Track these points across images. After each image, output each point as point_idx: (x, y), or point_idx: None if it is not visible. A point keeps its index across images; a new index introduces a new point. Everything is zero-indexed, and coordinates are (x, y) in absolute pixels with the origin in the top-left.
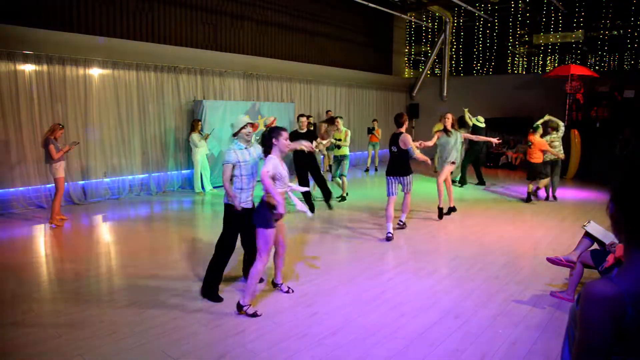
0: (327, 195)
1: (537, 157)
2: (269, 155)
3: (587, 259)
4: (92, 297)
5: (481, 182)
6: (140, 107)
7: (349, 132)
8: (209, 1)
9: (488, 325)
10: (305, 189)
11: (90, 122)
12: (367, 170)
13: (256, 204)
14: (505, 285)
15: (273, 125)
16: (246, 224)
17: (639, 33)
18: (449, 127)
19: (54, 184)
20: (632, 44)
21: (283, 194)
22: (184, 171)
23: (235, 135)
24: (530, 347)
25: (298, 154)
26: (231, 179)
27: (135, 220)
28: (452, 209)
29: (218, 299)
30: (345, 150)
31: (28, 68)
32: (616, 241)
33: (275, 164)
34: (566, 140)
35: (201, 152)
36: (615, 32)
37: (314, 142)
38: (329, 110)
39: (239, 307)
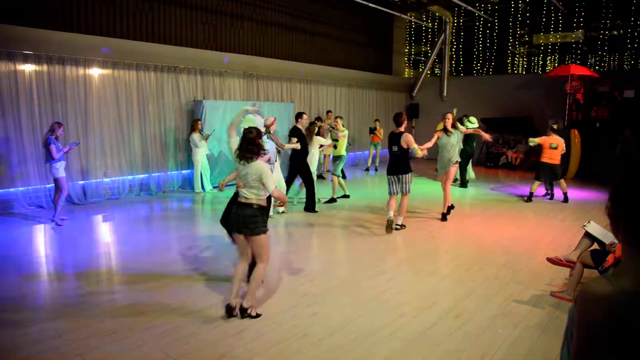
0: (309, 201)
1: (558, 158)
2: (265, 164)
3: (587, 259)
4: (92, 297)
5: (463, 184)
6: (140, 107)
7: (346, 133)
8: (209, 1)
9: (488, 325)
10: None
11: (90, 122)
12: (367, 169)
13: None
14: (505, 285)
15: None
16: None
17: (639, 33)
18: (449, 127)
19: (53, 184)
20: (632, 44)
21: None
22: (184, 171)
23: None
24: (530, 347)
25: (294, 154)
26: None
27: (135, 220)
28: (450, 207)
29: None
30: (341, 151)
31: (28, 68)
32: (616, 241)
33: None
34: (566, 140)
35: (201, 152)
36: (615, 32)
37: (289, 143)
38: (330, 111)
39: (243, 311)
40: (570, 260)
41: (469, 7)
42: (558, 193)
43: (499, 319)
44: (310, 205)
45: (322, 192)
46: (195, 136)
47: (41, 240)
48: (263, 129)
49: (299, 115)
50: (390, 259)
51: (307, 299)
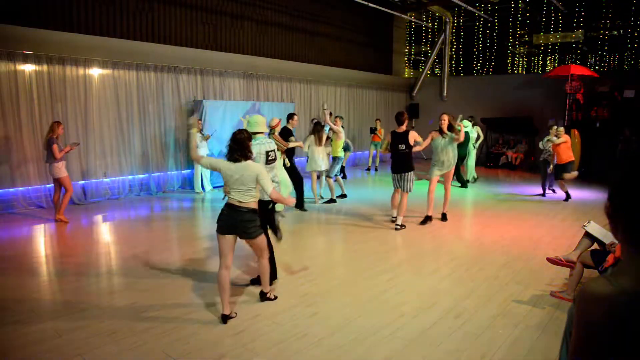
0: (297, 199)
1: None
2: (261, 165)
3: (587, 259)
4: (92, 297)
5: (462, 184)
6: (140, 107)
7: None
8: (209, 1)
9: (488, 325)
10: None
11: (90, 122)
12: (368, 169)
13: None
14: (505, 285)
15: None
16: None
17: (639, 33)
18: (444, 128)
19: (53, 184)
20: (632, 44)
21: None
22: (184, 171)
23: (259, 133)
24: (530, 347)
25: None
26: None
27: (135, 220)
28: (428, 218)
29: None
30: (337, 152)
31: (28, 68)
32: (616, 241)
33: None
34: None
35: (202, 152)
36: (615, 32)
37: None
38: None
39: (262, 295)
40: (570, 260)
41: (469, 7)
42: (556, 192)
43: (499, 319)
44: (299, 203)
45: (323, 192)
46: (197, 136)
47: (41, 240)
48: (267, 130)
49: (289, 117)
50: (390, 259)
51: (307, 299)
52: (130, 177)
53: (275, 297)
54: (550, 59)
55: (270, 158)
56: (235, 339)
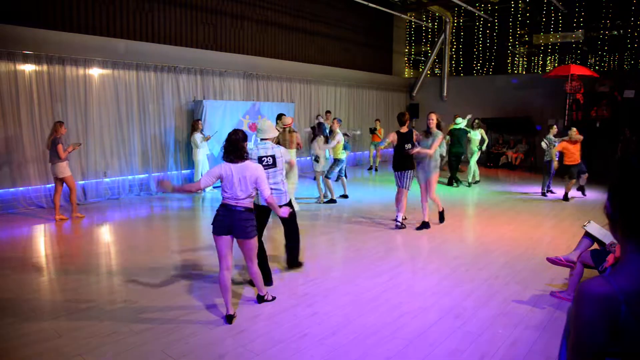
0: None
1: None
2: (260, 166)
3: (587, 259)
4: (92, 297)
5: (450, 183)
6: (140, 107)
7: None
8: (209, 1)
9: (488, 325)
10: None
11: (90, 122)
12: (370, 168)
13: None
14: (505, 285)
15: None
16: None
17: (639, 33)
18: (433, 127)
19: (54, 184)
20: (632, 44)
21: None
22: (184, 171)
23: (268, 139)
24: (530, 347)
25: None
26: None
27: (135, 220)
28: (425, 224)
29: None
30: (338, 154)
31: (28, 68)
32: (616, 241)
33: None
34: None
35: (202, 152)
36: (615, 32)
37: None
38: (328, 111)
39: (260, 298)
40: (570, 260)
41: (469, 7)
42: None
43: (499, 319)
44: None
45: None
46: (197, 136)
47: (41, 240)
48: (277, 132)
49: (278, 117)
50: (390, 259)
51: (307, 299)
52: (130, 177)
53: (274, 298)
54: (550, 59)
55: (264, 163)
56: (235, 339)
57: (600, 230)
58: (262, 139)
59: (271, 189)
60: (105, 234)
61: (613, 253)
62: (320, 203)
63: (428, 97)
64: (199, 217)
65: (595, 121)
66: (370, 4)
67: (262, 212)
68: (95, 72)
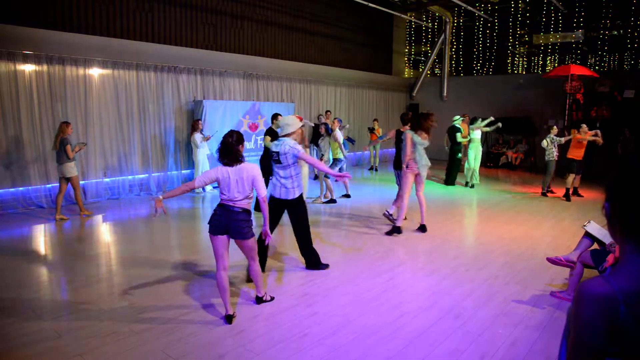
0: None
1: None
2: (257, 167)
3: (587, 259)
4: (92, 297)
5: (447, 182)
6: (140, 107)
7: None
8: (209, 1)
9: (488, 325)
10: None
11: (90, 122)
12: (370, 168)
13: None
14: (505, 285)
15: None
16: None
17: (639, 33)
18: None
19: (59, 184)
20: (632, 44)
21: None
22: (184, 171)
23: (289, 135)
24: (530, 347)
25: (264, 157)
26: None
27: (135, 220)
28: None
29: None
30: (336, 154)
31: (28, 68)
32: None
33: None
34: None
35: (202, 152)
36: (615, 32)
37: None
38: (328, 111)
39: (258, 299)
40: (570, 260)
41: (469, 7)
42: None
43: (499, 319)
44: None
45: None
46: (197, 136)
47: (41, 240)
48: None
49: (274, 117)
50: (390, 259)
51: (307, 299)
52: (130, 177)
53: (272, 298)
54: (550, 59)
55: (273, 159)
56: (235, 339)
57: (600, 230)
58: (284, 135)
59: (280, 183)
60: (105, 234)
61: (613, 253)
62: (319, 203)
63: (428, 97)
64: (198, 217)
65: (595, 121)
66: (370, 4)
67: (278, 206)
68: (95, 72)
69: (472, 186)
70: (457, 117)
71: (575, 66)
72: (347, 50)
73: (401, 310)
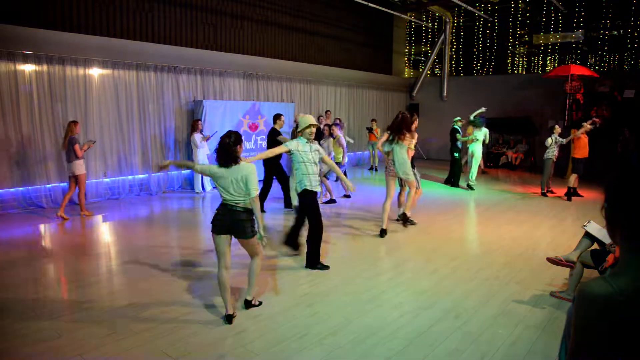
0: (287, 203)
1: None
2: (253, 166)
3: (587, 259)
4: (92, 297)
5: (447, 181)
6: (140, 107)
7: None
8: (209, 1)
9: (488, 325)
10: None
11: (90, 122)
12: (370, 168)
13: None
14: (505, 285)
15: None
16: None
17: (639, 33)
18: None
19: (68, 183)
20: (632, 44)
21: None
22: (184, 171)
23: (300, 132)
24: (530, 347)
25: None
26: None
27: (135, 220)
28: (405, 217)
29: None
30: (338, 157)
31: (28, 68)
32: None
33: None
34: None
35: (202, 152)
36: (615, 32)
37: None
38: (328, 111)
39: (247, 303)
40: (570, 260)
41: (469, 7)
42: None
43: (499, 319)
44: (286, 203)
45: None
46: (197, 137)
47: (40, 240)
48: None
49: (277, 117)
50: (390, 259)
51: (307, 299)
52: (130, 177)
53: (260, 303)
54: (550, 59)
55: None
56: (235, 339)
57: (600, 230)
58: (301, 130)
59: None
60: (105, 234)
61: (613, 253)
62: (319, 203)
63: (428, 97)
64: (198, 217)
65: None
66: (370, 4)
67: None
68: (95, 72)
69: (471, 187)
70: (458, 118)
71: (575, 66)
72: (347, 50)
73: (401, 310)
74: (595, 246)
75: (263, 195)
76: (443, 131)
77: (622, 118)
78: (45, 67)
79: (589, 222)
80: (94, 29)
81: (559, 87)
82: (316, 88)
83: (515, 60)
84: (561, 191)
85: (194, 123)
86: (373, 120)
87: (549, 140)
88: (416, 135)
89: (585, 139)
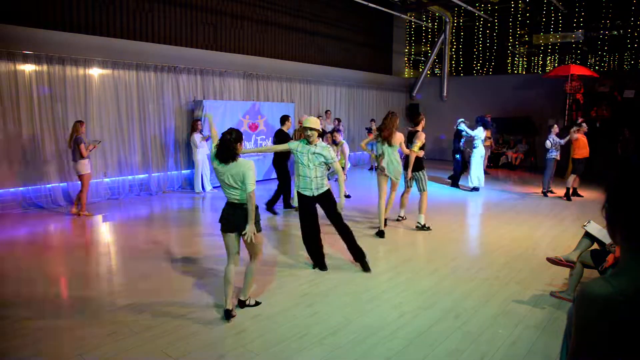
0: (285, 203)
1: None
2: (251, 163)
3: (587, 259)
4: (92, 297)
5: (452, 179)
6: (140, 107)
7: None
8: (209, 1)
9: (488, 325)
10: None
11: (90, 122)
12: (371, 168)
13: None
14: (505, 285)
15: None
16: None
17: (639, 33)
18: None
19: (80, 182)
20: (632, 44)
21: None
22: (184, 171)
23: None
24: (530, 347)
25: (277, 156)
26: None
27: (135, 220)
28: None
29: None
30: (341, 163)
31: (28, 68)
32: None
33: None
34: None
35: (202, 152)
36: (615, 32)
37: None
38: (328, 110)
39: (241, 303)
40: (570, 260)
41: (469, 7)
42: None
43: (499, 319)
44: (285, 203)
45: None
46: (197, 136)
47: (40, 240)
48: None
49: (285, 118)
50: (390, 259)
51: (307, 299)
52: (130, 177)
53: (259, 303)
54: (550, 59)
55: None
56: (235, 339)
57: (600, 230)
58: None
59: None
60: (105, 234)
61: (613, 253)
62: None
63: (428, 97)
64: (199, 217)
65: (595, 121)
66: (370, 4)
67: (323, 200)
68: (95, 72)
69: (472, 189)
70: (461, 120)
71: (575, 66)
72: (347, 50)
73: (401, 310)
74: (595, 246)
75: (277, 197)
76: (443, 131)
77: (622, 118)
78: (45, 67)
79: (589, 222)
80: (94, 29)
81: (559, 87)
82: (316, 88)
83: (515, 60)
84: (561, 191)
85: (193, 123)
86: (372, 120)
87: (548, 143)
88: (423, 135)
89: (584, 139)
